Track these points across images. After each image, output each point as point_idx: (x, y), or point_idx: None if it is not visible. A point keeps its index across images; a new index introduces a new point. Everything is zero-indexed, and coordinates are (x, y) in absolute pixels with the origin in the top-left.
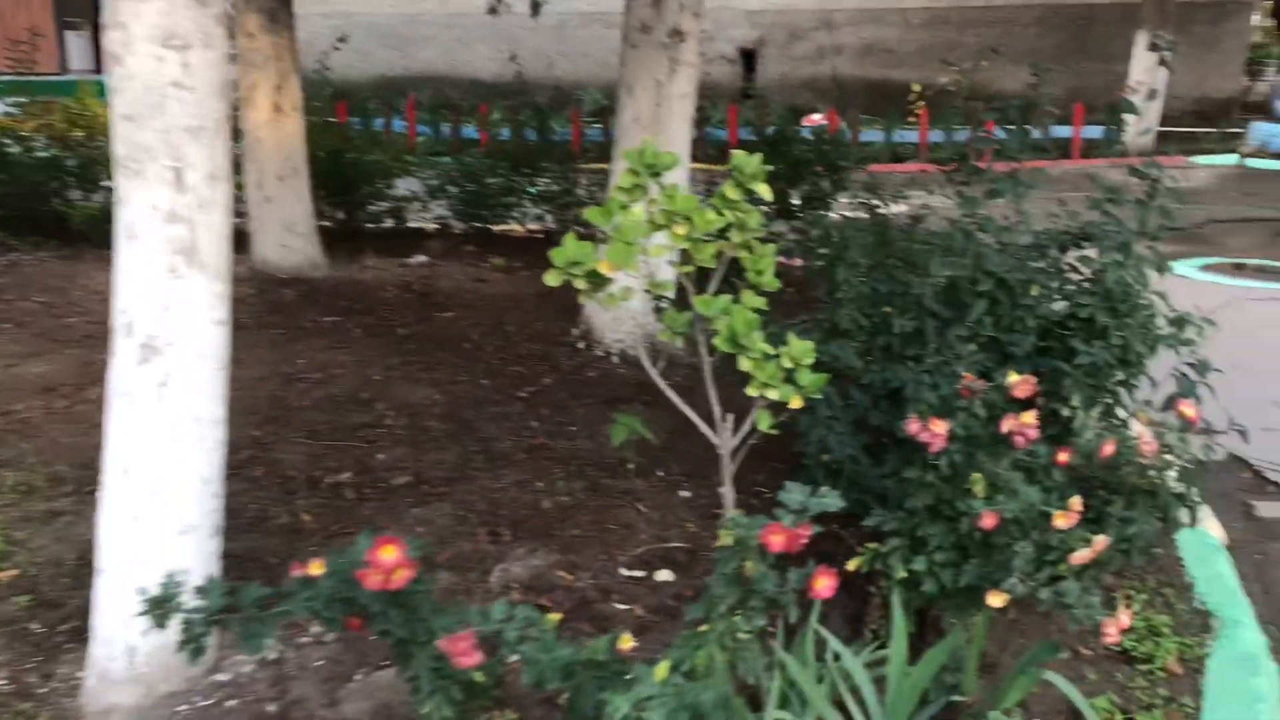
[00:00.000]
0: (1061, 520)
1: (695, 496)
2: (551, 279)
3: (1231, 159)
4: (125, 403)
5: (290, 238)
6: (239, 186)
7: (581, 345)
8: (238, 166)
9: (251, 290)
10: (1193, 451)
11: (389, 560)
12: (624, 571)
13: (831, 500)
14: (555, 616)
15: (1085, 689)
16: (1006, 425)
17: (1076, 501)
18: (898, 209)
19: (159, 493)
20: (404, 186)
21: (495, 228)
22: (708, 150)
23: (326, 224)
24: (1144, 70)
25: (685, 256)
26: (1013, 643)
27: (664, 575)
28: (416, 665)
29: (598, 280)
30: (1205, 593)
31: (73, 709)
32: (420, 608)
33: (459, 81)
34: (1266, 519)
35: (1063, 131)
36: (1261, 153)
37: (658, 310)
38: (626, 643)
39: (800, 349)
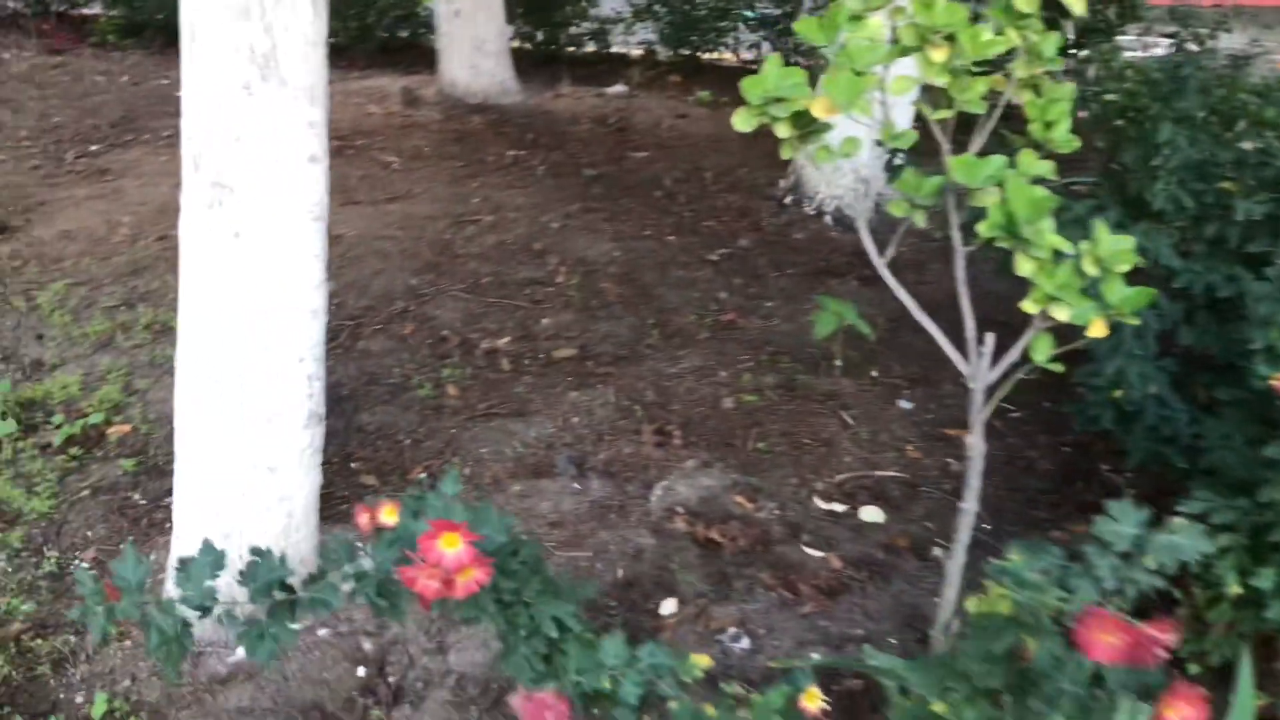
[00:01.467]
0: None
1: (920, 409)
2: (742, 120)
3: None
4: (195, 255)
5: (480, 58)
6: None
7: (789, 200)
8: None
9: (436, 115)
10: None
11: (451, 557)
12: (820, 503)
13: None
14: (703, 661)
15: None
16: None
17: None
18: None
19: (235, 371)
20: (609, 6)
21: (705, 56)
22: None
23: (523, 46)
24: None
25: (939, 96)
26: None
27: (871, 513)
28: (515, 652)
29: (808, 125)
30: None
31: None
32: (527, 581)
33: None
34: None
35: None
36: None
37: (891, 169)
38: (813, 701)
39: (1114, 247)
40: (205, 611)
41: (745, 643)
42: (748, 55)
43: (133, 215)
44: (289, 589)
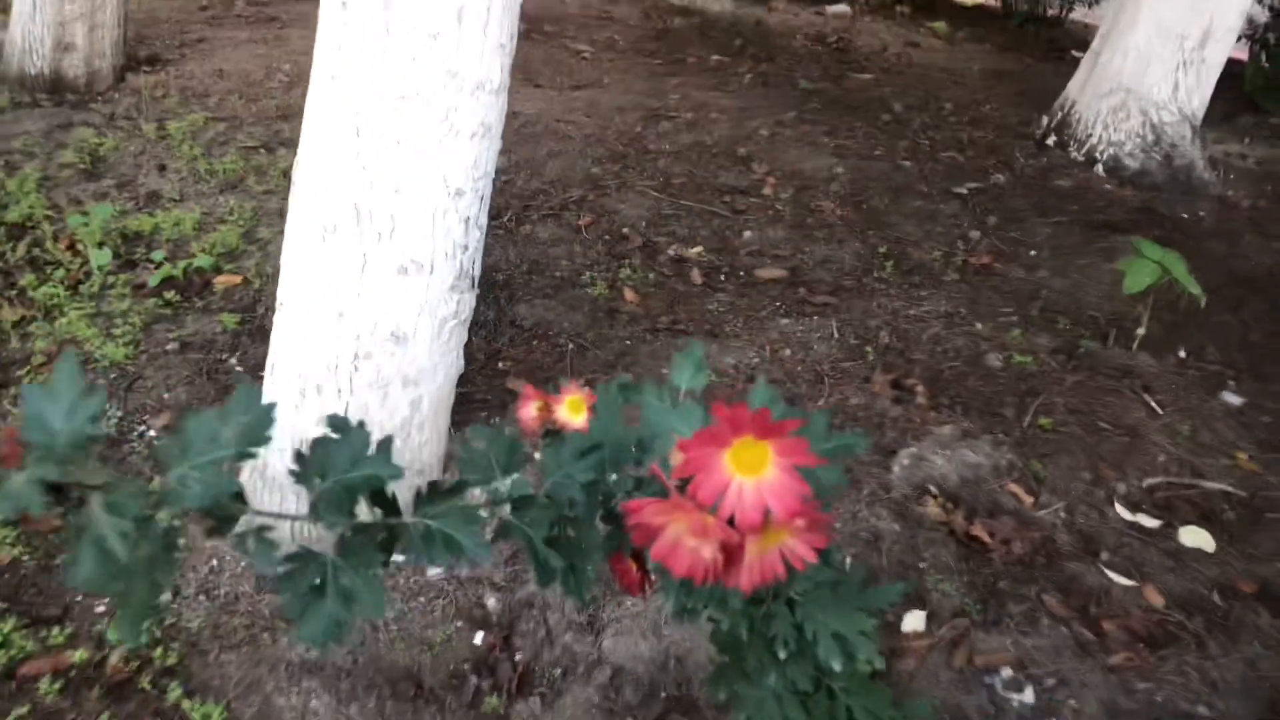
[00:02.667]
0: None
1: (1251, 406)
2: None
3: None
4: (336, 19)
5: None
6: None
7: (1051, 141)
8: None
9: (635, 14)
10: None
11: (749, 495)
12: (1122, 511)
13: None
14: None
15: None
16: None
17: None
18: None
19: (360, 193)
20: None
21: None
22: None
23: None
24: None
25: None
26: None
27: (1195, 536)
28: (757, 684)
29: None
30: None
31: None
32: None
33: None
34: None
35: None
36: None
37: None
38: None
39: None
40: (219, 519)
41: (1027, 694)
42: None
43: (293, 64)
44: (389, 504)
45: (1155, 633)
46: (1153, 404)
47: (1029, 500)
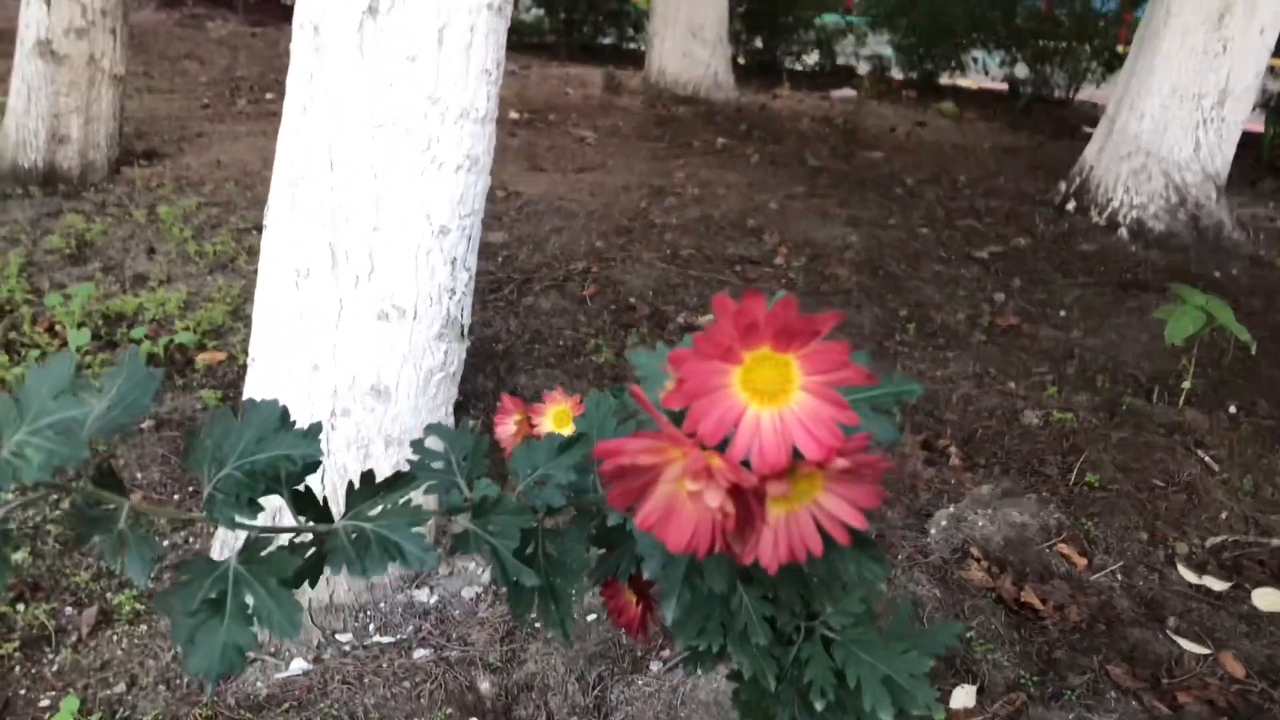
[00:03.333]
0: None
1: None
2: None
3: None
4: (308, 45)
5: (695, 45)
6: None
7: (1070, 206)
8: None
9: (638, 104)
10: None
11: (770, 440)
12: (1187, 573)
13: None
14: None
15: None
16: None
17: None
18: None
19: (345, 233)
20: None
21: (944, 79)
22: None
23: (739, 60)
24: None
25: None
26: None
27: (1271, 599)
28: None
29: None
30: None
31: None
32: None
33: None
34: None
35: None
36: None
37: None
38: None
39: None
40: (84, 510)
41: None
42: (991, 84)
43: None
44: (313, 504)
45: (1237, 705)
46: (1207, 459)
47: (1082, 562)
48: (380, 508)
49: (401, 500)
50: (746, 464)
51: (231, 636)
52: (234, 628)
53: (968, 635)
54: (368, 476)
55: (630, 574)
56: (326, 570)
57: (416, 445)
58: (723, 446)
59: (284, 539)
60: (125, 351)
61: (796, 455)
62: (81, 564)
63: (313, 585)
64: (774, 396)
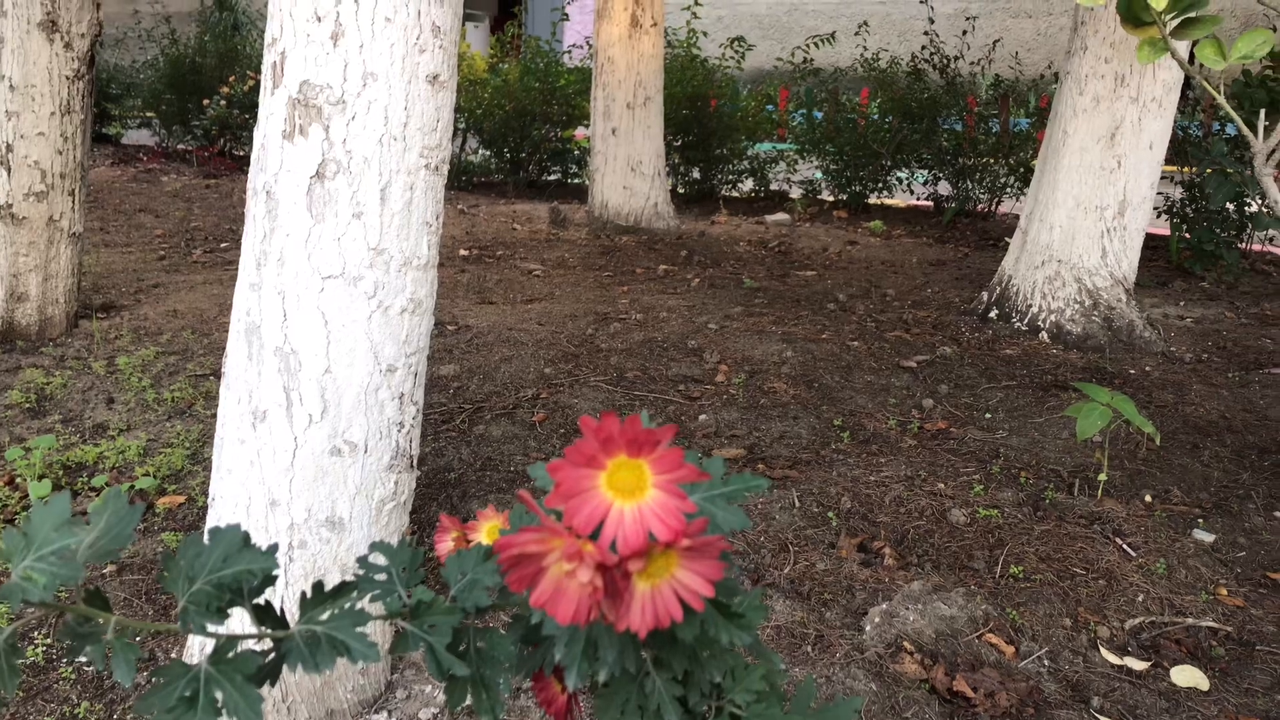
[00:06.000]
0: None
1: (1224, 542)
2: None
3: None
4: (258, 216)
5: (634, 179)
6: (585, 117)
7: (993, 314)
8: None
9: (583, 235)
10: None
11: (630, 520)
12: (1109, 655)
13: None
14: None
15: None
16: None
17: None
18: None
19: (298, 377)
20: (769, 143)
21: (872, 199)
22: None
23: (678, 190)
24: None
25: None
26: None
27: (1188, 676)
28: None
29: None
30: None
31: None
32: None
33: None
34: None
35: None
36: None
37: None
38: None
39: None
40: (77, 628)
41: None
42: (917, 201)
43: None
44: (271, 615)
45: None
46: (1125, 546)
47: (1009, 650)
48: (329, 613)
49: (347, 605)
50: (614, 548)
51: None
52: None
53: None
54: (318, 586)
55: (555, 666)
56: (284, 669)
57: (361, 561)
58: (594, 535)
59: (248, 644)
60: (110, 490)
61: (652, 539)
62: (45, 710)
63: (272, 684)
64: (632, 493)
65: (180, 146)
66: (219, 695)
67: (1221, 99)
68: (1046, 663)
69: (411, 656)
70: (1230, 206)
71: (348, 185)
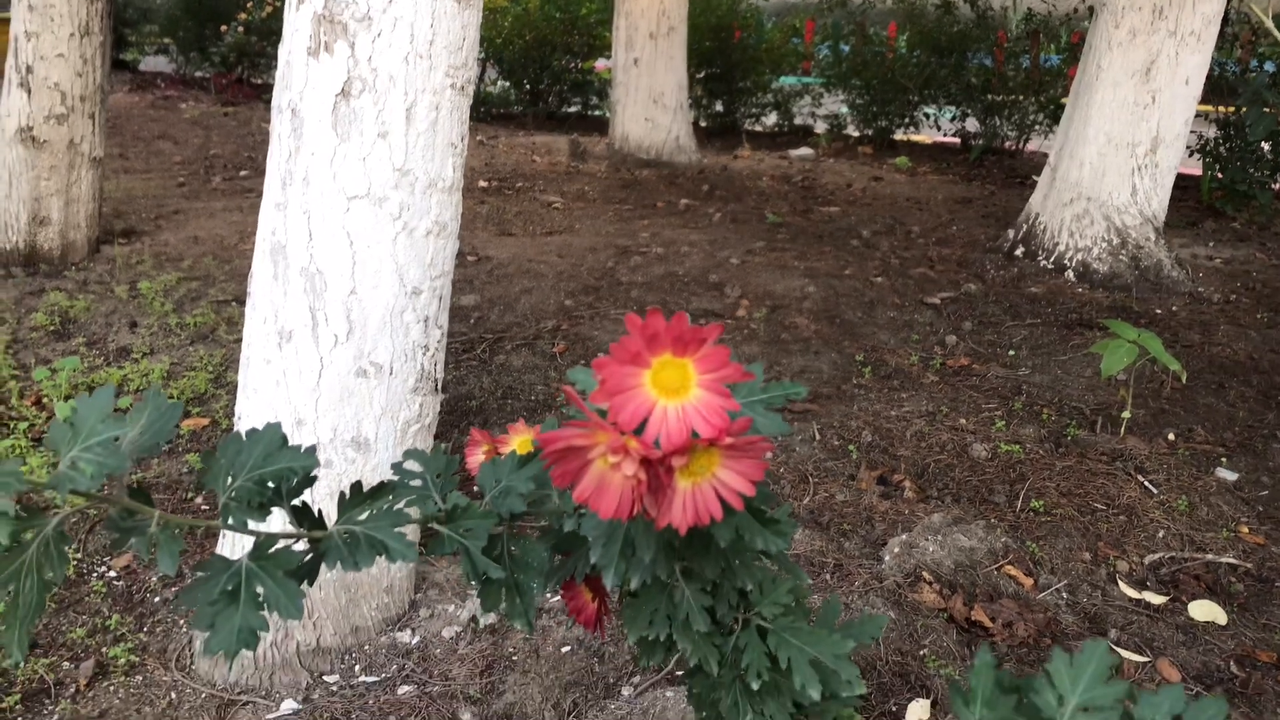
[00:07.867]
0: None
1: (1247, 481)
2: None
3: None
4: (287, 126)
5: (656, 111)
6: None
7: (1019, 252)
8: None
9: (603, 169)
10: None
11: (674, 416)
12: (1127, 589)
13: None
14: None
15: None
16: None
17: None
18: None
19: (324, 298)
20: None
21: (898, 135)
22: None
23: (700, 123)
24: None
25: None
26: None
27: (1206, 610)
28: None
29: None
30: None
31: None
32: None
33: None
34: None
35: None
36: None
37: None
38: None
39: None
40: (121, 519)
41: None
42: (944, 138)
43: None
44: (309, 515)
45: None
46: (1146, 484)
47: (1028, 582)
48: (367, 513)
49: (385, 506)
50: (657, 445)
51: (246, 621)
52: (248, 613)
53: (921, 654)
54: (357, 486)
55: (585, 575)
56: (323, 567)
57: (396, 467)
58: (638, 432)
59: (286, 542)
60: (151, 388)
61: (695, 437)
62: (77, 621)
63: (310, 583)
64: (676, 392)
65: (198, 74)
66: (260, 590)
67: (1270, 24)
68: (1065, 595)
69: (434, 577)
70: (1266, 146)
71: (373, 104)
